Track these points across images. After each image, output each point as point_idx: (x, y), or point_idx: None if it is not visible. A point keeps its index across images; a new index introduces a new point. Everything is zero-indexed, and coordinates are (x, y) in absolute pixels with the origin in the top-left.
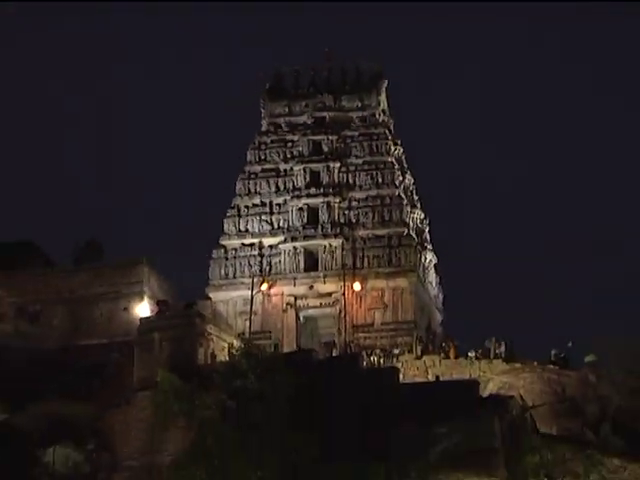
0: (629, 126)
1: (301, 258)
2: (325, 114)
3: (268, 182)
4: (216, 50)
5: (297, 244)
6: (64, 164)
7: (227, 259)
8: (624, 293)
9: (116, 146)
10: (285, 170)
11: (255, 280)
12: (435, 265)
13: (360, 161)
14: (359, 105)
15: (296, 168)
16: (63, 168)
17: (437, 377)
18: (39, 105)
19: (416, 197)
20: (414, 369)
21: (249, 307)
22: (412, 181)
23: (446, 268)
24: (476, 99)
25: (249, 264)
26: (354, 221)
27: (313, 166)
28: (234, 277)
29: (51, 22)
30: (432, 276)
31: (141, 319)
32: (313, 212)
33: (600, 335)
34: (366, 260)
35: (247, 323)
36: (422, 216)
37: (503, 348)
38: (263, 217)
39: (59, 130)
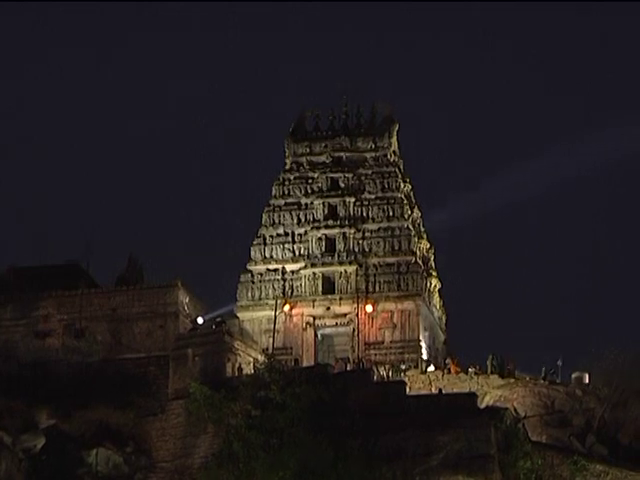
0: None
1: (319, 282)
2: (342, 154)
3: (291, 214)
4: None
5: (316, 270)
6: (111, 198)
7: (253, 282)
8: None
9: (162, 184)
10: (306, 204)
11: (278, 302)
12: (439, 290)
13: (373, 196)
14: (372, 146)
15: (316, 202)
16: (110, 202)
17: (440, 390)
18: (95, 133)
19: (422, 229)
20: (419, 382)
21: (273, 326)
22: (419, 214)
23: (449, 292)
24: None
25: (273, 287)
26: (367, 250)
27: (331, 200)
28: (259, 299)
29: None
30: (436, 299)
31: (176, 336)
32: (331, 242)
33: (587, 353)
34: (377, 285)
35: (271, 340)
36: (428, 246)
37: (499, 364)
38: (286, 245)
39: (107, 164)
